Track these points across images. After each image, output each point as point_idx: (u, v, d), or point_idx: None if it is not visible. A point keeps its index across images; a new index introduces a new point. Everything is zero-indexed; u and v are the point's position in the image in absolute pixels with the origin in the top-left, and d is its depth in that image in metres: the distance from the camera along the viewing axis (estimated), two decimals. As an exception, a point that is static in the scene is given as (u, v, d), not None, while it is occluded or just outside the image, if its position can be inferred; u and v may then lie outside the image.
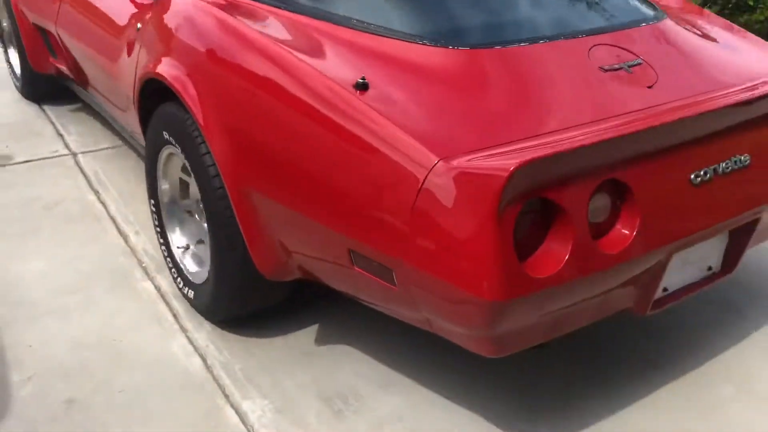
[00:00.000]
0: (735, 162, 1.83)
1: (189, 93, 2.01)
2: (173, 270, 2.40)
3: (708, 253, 1.95)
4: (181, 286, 2.36)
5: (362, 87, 1.68)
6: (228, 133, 1.94)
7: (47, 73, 3.69)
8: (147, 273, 2.55)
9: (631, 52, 1.99)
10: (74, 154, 3.43)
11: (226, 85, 1.96)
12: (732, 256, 2.01)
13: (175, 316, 2.33)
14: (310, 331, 2.28)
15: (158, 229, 2.45)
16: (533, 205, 1.54)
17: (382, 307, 1.85)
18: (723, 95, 1.88)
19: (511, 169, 1.40)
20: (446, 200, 1.48)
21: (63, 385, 2.02)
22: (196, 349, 2.19)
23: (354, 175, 1.66)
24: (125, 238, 2.75)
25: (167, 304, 2.39)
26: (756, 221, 1.97)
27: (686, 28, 2.32)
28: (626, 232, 1.64)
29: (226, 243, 2.05)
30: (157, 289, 2.46)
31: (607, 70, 1.89)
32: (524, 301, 1.51)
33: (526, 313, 1.56)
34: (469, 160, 1.49)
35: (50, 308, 2.34)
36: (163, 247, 2.44)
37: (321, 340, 2.24)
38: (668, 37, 2.19)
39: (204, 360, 2.14)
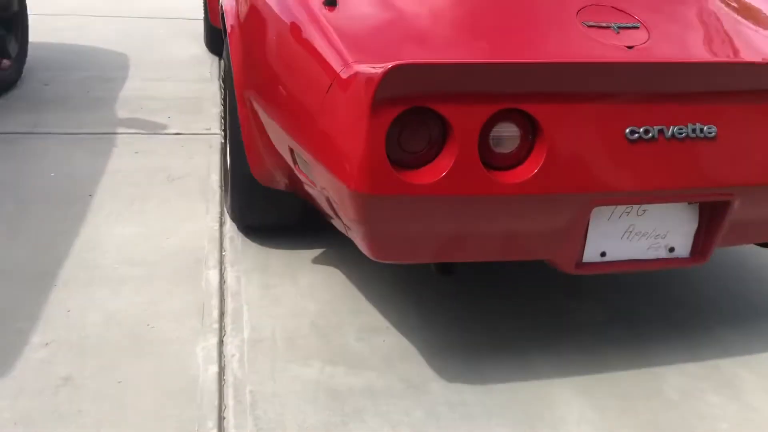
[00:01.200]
0: (693, 130, 1.70)
1: (228, 20, 2.39)
2: (225, 181, 2.65)
3: (664, 227, 1.84)
4: (227, 197, 2.60)
5: (331, 3, 1.84)
6: (242, 47, 2.24)
7: (219, 27, 4.00)
8: (221, 262, 2.36)
9: (634, 17, 1.91)
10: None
11: (246, 8, 2.26)
12: (702, 243, 1.87)
13: (222, 314, 2.10)
14: (350, 367, 1.92)
15: (224, 143, 2.75)
16: (425, 115, 1.57)
17: (328, 217, 1.97)
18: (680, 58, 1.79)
19: (385, 68, 1.48)
20: (341, 98, 1.60)
21: (71, 360, 1.87)
22: (219, 356, 1.93)
23: (298, 77, 1.83)
24: (222, 223, 2.60)
25: (221, 299, 2.17)
26: (726, 205, 1.81)
27: (727, 5, 2.14)
28: (528, 166, 1.63)
29: (236, 147, 2.31)
30: (222, 281, 2.26)
31: (590, 26, 1.83)
32: (393, 200, 1.57)
33: (399, 216, 1.62)
34: (367, 65, 1.56)
35: (109, 277, 2.23)
36: (227, 159, 2.64)
37: (355, 380, 1.87)
38: (693, 10, 2.05)
39: (221, 371, 1.88)
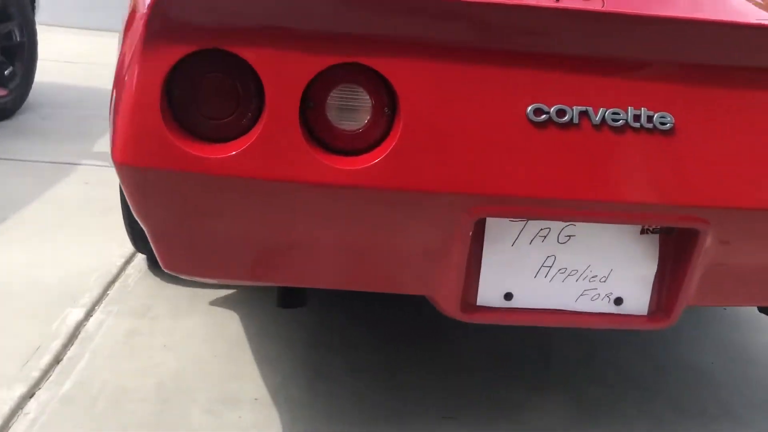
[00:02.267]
0: (636, 117, 1.15)
1: None
2: None
3: (604, 266, 1.27)
4: None
5: None
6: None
7: None
8: (96, 304, 1.91)
9: None
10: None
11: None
12: (666, 295, 1.27)
13: (56, 361, 1.64)
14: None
15: None
16: (229, 64, 1.10)
17: None
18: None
19: None
20: (127, 42, 1.17)
21: None
22: (11, 413, 1.46)
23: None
24: (128, 261, 2.17)
25: (67, 344, 1.71)
26: (694, 237, 1.21)
27: None
28: (378, 148, 1.14)
29: None
30: (79, 325, 1.80)
31: None
32: (174, 180, 1.11)
33: (183, 202, 1.15)
34: None
35: (-46, 305, 1.84)
36: None
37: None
38: None
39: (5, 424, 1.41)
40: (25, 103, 3.73)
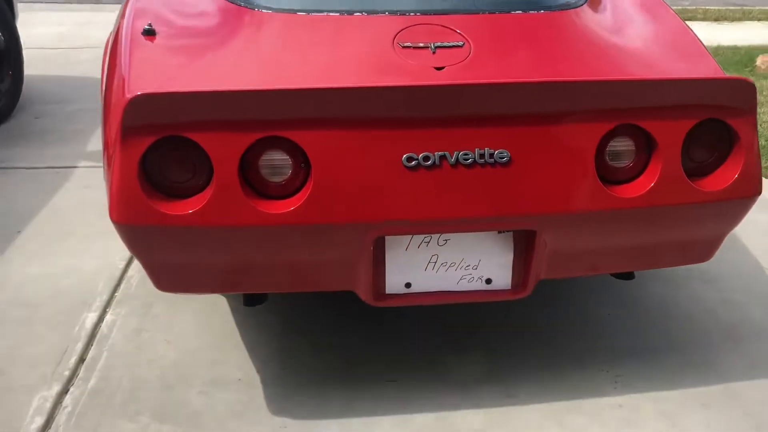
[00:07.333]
0: (481, 155, 1.63)
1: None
2: None
3: (474, 258, 1.78)
4: None
5: (149, 33, 1.87)
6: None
7: None
8: (107, 304, 2.33)
9: (461, 35, 1.88)
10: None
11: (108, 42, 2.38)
12: (522, 274, 1.79)
13: (81, 361, 2.07)
14: (176, 425, 1.84)
15: None
16: (183, 144, 1.58)
17: None
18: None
19: (128, 98, 1.53)
20: (110, 126, 1.69)
21: None
22: (53, 407, 1.90)
23: (104, 106, 1.88)
24: (128, 264, 2.58)
25: (87, 345, 2.14)
26: (533, 234, 1.72)
27: (590, 22, 2.05)
28: (297, 196, 1.62)
29: None
30: (95, 327, 2.23)
31: (405, 47, 1.83)
32: (153, 231, 1.59)
33: (167, 246, 1.65)
34: (129, 94, 1.57)
35: (-14, 318, 2.25)
36: None
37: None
38: (538, 27, 2.00)
39: (46, 425, 1.84)
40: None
